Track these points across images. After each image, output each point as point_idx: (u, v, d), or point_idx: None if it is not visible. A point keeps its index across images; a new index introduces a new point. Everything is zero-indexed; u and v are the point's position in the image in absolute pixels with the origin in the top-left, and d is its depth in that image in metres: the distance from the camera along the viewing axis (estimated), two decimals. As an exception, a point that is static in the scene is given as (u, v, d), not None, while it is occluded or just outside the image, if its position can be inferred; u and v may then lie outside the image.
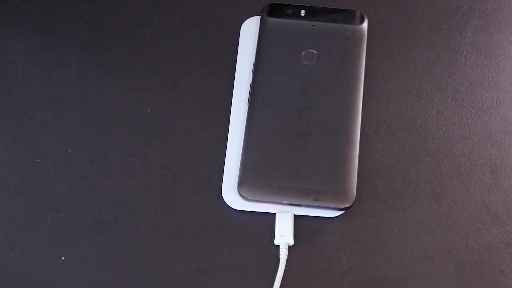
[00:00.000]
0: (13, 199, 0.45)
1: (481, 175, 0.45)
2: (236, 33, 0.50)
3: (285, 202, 0.43)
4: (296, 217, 0.44)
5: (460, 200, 0.44)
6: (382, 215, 0.44)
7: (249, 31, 0.50)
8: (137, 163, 0.46)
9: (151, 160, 0.46)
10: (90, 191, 0.45)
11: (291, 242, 0.43)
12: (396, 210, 0.44)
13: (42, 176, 0.46)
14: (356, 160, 0.44)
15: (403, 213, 0.44)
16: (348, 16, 0.48)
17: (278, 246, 0.43)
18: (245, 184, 0.43)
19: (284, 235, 0.43)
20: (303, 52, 0.47)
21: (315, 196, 0.42)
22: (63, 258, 0.43)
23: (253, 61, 0.47)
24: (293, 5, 0.49)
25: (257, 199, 0.43)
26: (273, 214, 0.44)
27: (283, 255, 0.42)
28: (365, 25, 0.48)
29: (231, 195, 0.44)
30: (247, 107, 0.46)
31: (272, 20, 0.48)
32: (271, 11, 0.49)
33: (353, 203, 0.42)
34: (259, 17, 0.49)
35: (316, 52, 0.47)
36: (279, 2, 0.49)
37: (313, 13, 0.48)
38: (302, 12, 0.48)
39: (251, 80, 0.47)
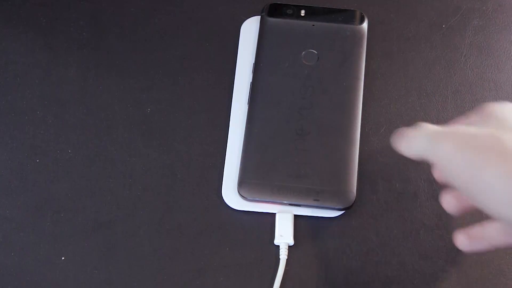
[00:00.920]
0: (13, 199, 0.45)
1: (481, 175, 0.45)
2: (236, 33, 0.50)
3: (285, 202, 0.43)
4: (296, 217, 0.44)
5: (460, 200, 0.44)
6: (382, 215, 0.44)
7: (249, 31, 0.50)
8: (137, 163, 0.46)
9: (151, 160, 0.46)
10: (90, 191, 0.45)
11: (291, 242, 0.43)
12: (396, 210, 0.44)
13: (42, 176, 0.46)
14: (356, 160, 0.44)
15: (403, 213, 0.44)
16: (348, 16, 0.48)
17: (278, 246, 0.43)
18: (245, 184, 0.43)
19: (284, 235, 0.43)
20: (303, 52, 0.47)
21: (315, 196, 0.42)
22: (63, 258, 0.43)
23: (253, 61, 0.47)
24: (293, 5, 0.49)
25: (257, 199, 0.43)
26: (273, 214, 0.44)
27: (283, 255, 0.42)
28: (365, 25, 0.48)
29: (231, 195, 0.44)
30: (247, 107, 0.46)
31: (272, 20, 0.48)
32: (271, 11, 0.49)
33: (353, 203, 0.42)
34: (259, 17, 0.49)
35: (316, 52, 0.47)
36: (279, 2, 0.49)
37: (313, 13, 0.49)
38: (302, 12, 0.48)
39: (251, 80, 0.47)
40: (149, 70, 0.49)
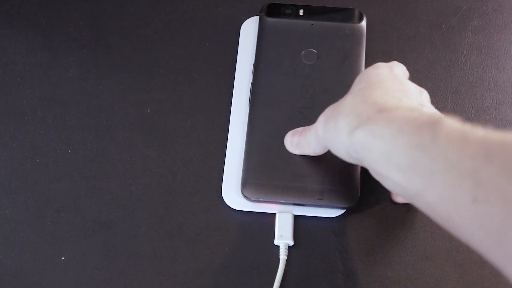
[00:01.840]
0: (13, 199, 0.45)
1: (481, 175, 0.45)
2: (236, 33, 0.50)
3: (289, 202, 0.43)
4: (296, 217, 0.43)
5: (460, 200, 0.44)
6: (382, 215, 0.44)
7: (249, 31, 0.50)
8: (137, 163, 0.46)
9: (151, 160, 0.46)
10: (90, 191, 0.45)
11: (291, 242, 0.43)
12: (396, 210, 0.44)
13: (42, 176, 0.46)
14: None
15: (403, 213, 0.44)
16: (347, 15, 0.48)
17: (278, 246, 0.43)
18: (248, 185, 0.43)
19: (284, 235, 0.43)
20: (303, 52, 0.47)
21: (319, 195, 0.42)
22: (63, 258, 0.43)
23: (253, 61, 0.47)
24: (292, 5, 0.49)
25: (261, 199, 0.43)
26: (273, 215, 0.43)
27: (283, 255, 0.42)
28: (364, 23, 0.48)
29: (231, 195, 0.44)
30: (248, 108, 0.46)
31: (271, 20, 0.48)
32: (270, 11, 0.49)
33: (358, 201, 0.42)
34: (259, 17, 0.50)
35: (315, 51, 0.47)
36: (277, 2, 0.49)
37: (312, 12, 0.49)
38: (301, 12, 0.48)
39: (251, 81, 0.47)
40: (149, 70, 0.49)
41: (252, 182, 0.43)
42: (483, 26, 0.51)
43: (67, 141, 0.47)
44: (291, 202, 0.42)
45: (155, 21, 0.51)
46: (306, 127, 0.42)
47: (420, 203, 0.32)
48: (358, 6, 0.51)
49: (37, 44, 0.50)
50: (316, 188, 0.42)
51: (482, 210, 0.27)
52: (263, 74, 0.46)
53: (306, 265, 0.42)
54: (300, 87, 0.46)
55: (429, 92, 0.48)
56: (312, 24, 0.48)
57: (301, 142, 0.42)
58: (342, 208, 0.43)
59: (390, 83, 0.37)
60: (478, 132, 0.29)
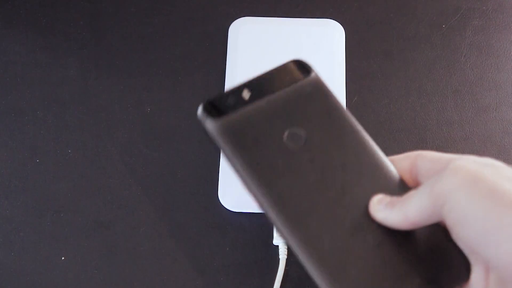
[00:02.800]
0: (13, 199, 0.45)
1: (481, 175, 0.45)
2: (236, 33, 0.50)
3: None
4: (296, 217, 0.43)
5: (460, 200, 0.44)
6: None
7: (249, 31, 0.50)
8: (137, 163, 0.46)
9: (151, 160, 0.46)
10: (90, 191, 0.45)
11: (291, 242, 0.42)
12: (396, 210, 0.44)
13: (42, 176, 0.46)
14: None
15: (403, 213, 0.44)
16: (291, 71, 0.35)
17: (277, 246, 0.43)
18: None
19: (284, 235, 0.42)
20: (284, 137, 0.33)
21: None
22: (63, 258, 0.43)
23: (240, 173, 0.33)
24: (230, 92, 0.33)
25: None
26: (273, 214, 0.43)
27: (283, 255, 0.42)
28: (313, 71, 0.35)
29: (228, 198, 0.44)
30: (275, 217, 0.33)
31: (221, 121, 0.32)
32: (212, 112, 0.32)
33: None
34: (247, 18, 0.49)
35: (296, 131, 0.34)
36: (211, 97, 0.33)
37: (256, 87, 0.34)
38: (246, 94, 0.33)
39: (258, 196, 0.32)
40: (149, 70, 0.49)
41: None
42: (483, 26, 0.51)
43: (67, 141, 0.47)
44: None
45: (155, 21, 0.51)
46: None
47: None
48: (357, 7, 0.51)
49: (37, 44, 0.50)
50: None
51: None
52: (269, 188, 0.32)
53: (306, 265, 0.42)
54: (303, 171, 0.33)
55: (429, 92, 0.48)
56: (267, 102, 0.34)
57: (395, 204, 0.31)
58: None
59: None
60: None
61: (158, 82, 0.49)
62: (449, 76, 0.49)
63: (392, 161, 0.33)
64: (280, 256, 0.42)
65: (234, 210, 0.44)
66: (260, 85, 0.34)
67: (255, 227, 0.44)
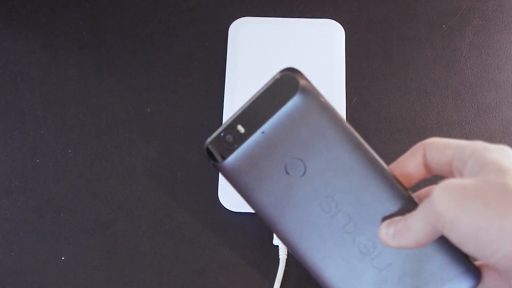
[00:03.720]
0: (13, 199, 0.45)
1: (481, 175, 0.45)
2: (236, 33, 0.50)
3: None
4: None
5: (460, 200, 0.44)
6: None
7: (248, 31, 0.50)
8: (137, 163, 0.46)
9: (151, 160, 0.46)
10: (90, 191, 0.45)
11: (291, 242, 0.42)
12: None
13: (42, 176, 0.46)
14: None
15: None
16: (280, 90, 0.32)
17: (277, 246, 0.43)
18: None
19: (284, 236, 0.42)
20: (285, 168, 0.33)
21: None
22: (63, 258, 0.43)
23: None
24: (226, 129, 0.33)
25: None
26: (273, 214, 0.43)
27: (283, 255, 0.42)
28: (301, 80, 0.32)
29: (228, 198, 0.44)
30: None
31: (225, 165, 0.33)
32: (217, 156, 0.33)
33: None
34: (247, 18, 0.49)
35: (295, 161, 0.33)
36: (210, 139, 0.33)
37: (249, 117, 0.33)
38: (240, 128, 0.33)
39: (273, 225, 0.35)
40: (149, 70, 0.49)
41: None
42: (483, 26, 0.51)
43: (67, 141, 0.47)
44: None
45: (155, 21, 0.51)
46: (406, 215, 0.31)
47: None
48: (358, 6, 0.51)
49: (37, 44, 0.50)
50: None
51: None
52: (276, 222, 0.34)
53: (306, 265, 0.42)
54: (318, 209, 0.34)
55: (429, 92, 0.48)
56: (263, 132, 0.33)
57: (399, 231, 0.31)
58: None
59: None
60: None
61: (158, 82, 0.49)
62: (449, 76, 0.49)
63: (403, 160, 0.33)
64: (280, 256, 0.42)
65: (234, 210, 0.44)
66: (252, 115, 0.33)
67: (255, 227, 0.44)
